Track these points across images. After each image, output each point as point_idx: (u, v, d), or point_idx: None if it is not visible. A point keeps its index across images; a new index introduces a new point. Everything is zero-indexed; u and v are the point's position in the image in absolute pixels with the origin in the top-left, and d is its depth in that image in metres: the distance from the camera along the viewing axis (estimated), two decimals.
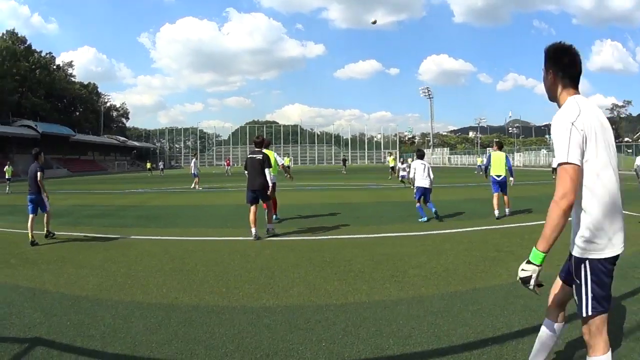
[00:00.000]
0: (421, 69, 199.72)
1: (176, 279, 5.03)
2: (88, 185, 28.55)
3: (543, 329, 2.43)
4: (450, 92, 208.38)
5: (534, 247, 2.03)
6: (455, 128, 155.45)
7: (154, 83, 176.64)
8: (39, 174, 7.77)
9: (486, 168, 10.68)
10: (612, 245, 2.05)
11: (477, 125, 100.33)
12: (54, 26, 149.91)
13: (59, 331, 3.53)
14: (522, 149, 71.00)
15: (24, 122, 58.28)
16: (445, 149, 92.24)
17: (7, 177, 22.70)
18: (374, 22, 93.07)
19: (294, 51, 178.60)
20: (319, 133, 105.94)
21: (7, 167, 23.30)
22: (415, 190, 9.81)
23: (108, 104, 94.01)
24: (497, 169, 10.02)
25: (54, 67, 76.03)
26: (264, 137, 8.92)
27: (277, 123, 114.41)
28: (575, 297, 2.17)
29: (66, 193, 20.37)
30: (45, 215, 7.93)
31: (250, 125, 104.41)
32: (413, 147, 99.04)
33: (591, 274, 2.09)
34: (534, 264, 2.01)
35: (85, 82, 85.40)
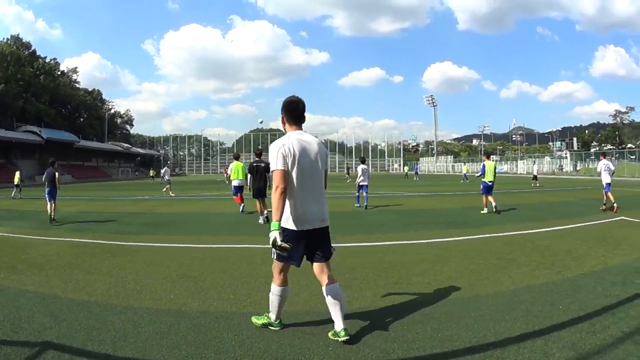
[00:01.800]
0: (425, 76, 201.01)
1: (184, 286, 5.11)
2: (93, 192, 28.69)
3: (325, 292, 3.51)
4: (454, 100, 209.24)
5: (272, 221, 3.21)
6: (459, 136, 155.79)
7: (159, 90, 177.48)
8: (57, 174, 11.67)
9: (482, 175, 12.70)
10: (292, 223, 3.34)
11: (480, 133, 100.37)
12: (59, 32, 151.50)
13: (69, 335, 3.59)
14: (526, 156, 70.96)
15: (28, 127, 58.19)
16: (449, 156, 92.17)
17: (15, 182, 23.00)
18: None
19: (298, 59, 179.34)
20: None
21: (17, 173, 23.69)
22: (357, 186, 14.41)
23: (112, 111, 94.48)
24: (490, 176, 12.32)
25: (59, 72, 76.24)
26: (261, 148, 12.18)
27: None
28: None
29: (72, 199, 20.47)
30: (53, 205, 11.20)
31: (254, 133, 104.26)
32: (417, 155, 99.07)
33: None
34: (274, 230, 3.15)
35: (90, 89, 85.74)
